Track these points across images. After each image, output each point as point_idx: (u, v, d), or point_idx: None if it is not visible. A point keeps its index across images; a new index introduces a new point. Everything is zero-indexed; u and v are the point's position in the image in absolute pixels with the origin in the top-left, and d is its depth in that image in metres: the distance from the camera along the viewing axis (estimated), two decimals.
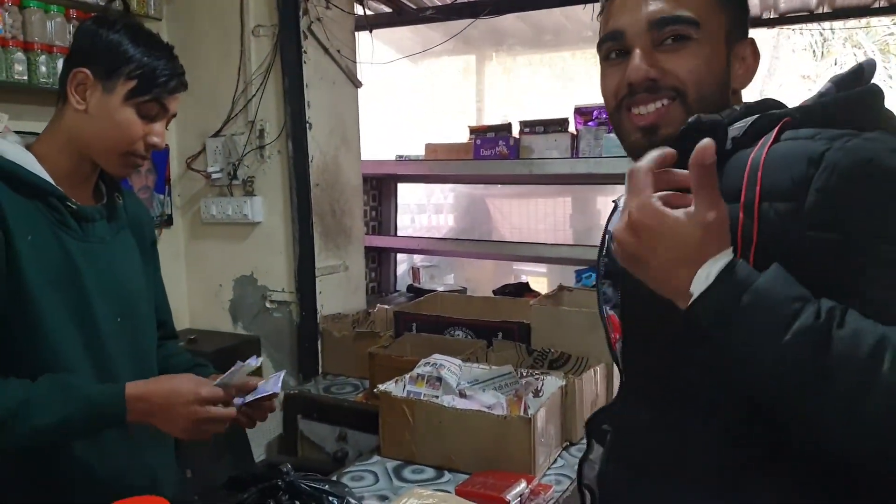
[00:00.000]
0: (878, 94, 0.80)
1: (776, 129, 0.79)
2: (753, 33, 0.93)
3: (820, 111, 0.81)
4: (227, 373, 1.21)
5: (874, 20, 3.53)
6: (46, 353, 1.14)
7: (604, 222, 1.06)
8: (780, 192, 0.74)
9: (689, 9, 0.85)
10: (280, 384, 1.26)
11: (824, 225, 0.72)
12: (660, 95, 0.86)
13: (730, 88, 0.89)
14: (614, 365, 1.08)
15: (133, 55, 1.18)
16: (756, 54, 0.92)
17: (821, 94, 0.84)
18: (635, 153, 0.87)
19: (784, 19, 3.25)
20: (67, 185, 1.20)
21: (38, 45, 2.02)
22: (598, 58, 0.95)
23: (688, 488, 0.83)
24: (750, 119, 0.82)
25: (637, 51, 0.86)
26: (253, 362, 1.24)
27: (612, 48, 0.91)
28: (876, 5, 2.99)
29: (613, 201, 1.02)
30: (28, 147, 1.20)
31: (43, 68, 2.04)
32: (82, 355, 1.18)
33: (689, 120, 0.82)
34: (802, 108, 0.82)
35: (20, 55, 1.99)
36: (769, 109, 0.83)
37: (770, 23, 3.28)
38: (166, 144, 1.33)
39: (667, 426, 0.86)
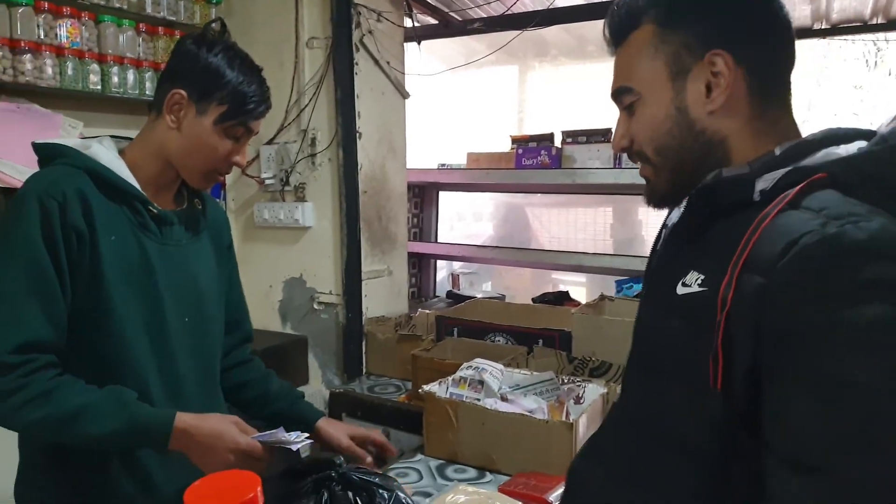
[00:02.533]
0: None
1: (796, 190, 0.74)
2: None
3: (862, 165, 0.75)
4: (269, 433, 1.24)
5: None
6: (115, 345, 1.21)
7: (645, 233, 1.10)
8: (759, 265, 0.71)
9: (625, 76, 0.88)
10: (299, 446, 1.27)
11: (772, 323, 0.69)
12: (635, 160, 0.91)
13: (698, 122, 0.84)
14: None
15: (228, 81, 1.23)
16: (730, 62, 0.82)
17: (875, 142, 0.77)
18: (645, 201, 0.93)
19: (836, 30, 3.20)
20: (152, 189, 1.28)
21: (111, 56, 2.15)
22: None
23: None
24: (781, 173, 0.77)
25: (617, 123, 0.92)
26: (297, 437, 1.26)
27: None
28: None
29: (664, 223, 1.01)
30: (120, 152, 1.28)
31: (115, 79, 2.17)
32: (148, 350, 1.25)
33: (708, 178, 0.81)
34: (843, 162, 0.76)
35: (95, 66, 2.12)
36: (813, 152, 0.78)
37: (822, 33, 3.23)
38: None
39: (641, 451, 0.87)
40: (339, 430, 1.50)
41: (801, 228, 0.69)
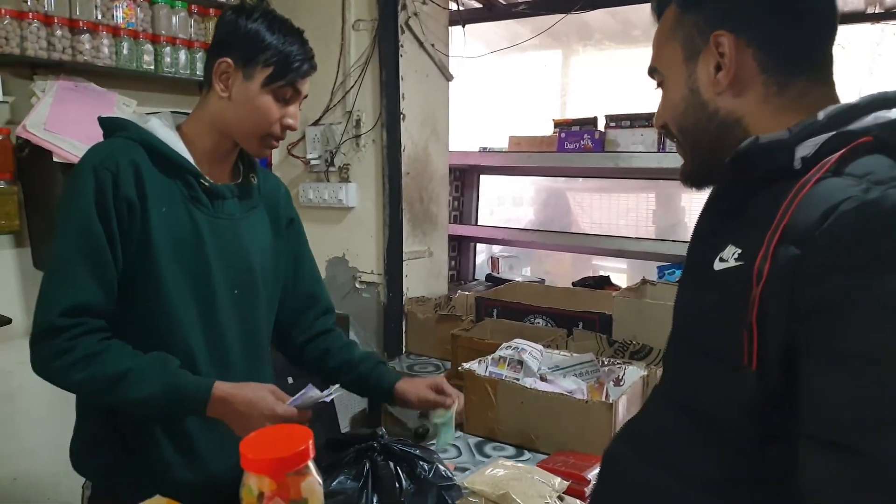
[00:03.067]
0: None
1: (837, 155, 0.71)
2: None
3: None
4: (301, 394, 1.26)
5: None
6: (164, 315, 1.25)
7: (688, 219, 1.06)
8: (796, 235, 0.68)
9: (654, 56, 0.91)
10: (332, 395, 1.30)
11: (805, 295, 0.67)
12: (670, 137, 0.92)
13: (710, 103, 0.84)
14: None
15: (269, 43, 1.26)
16: (731, 42, 0.81)
17: None
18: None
19: (891, 14, 3.11)
20: (207, 163, 1.31)
21: (164, 37, 2.21)
22: None
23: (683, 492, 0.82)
24: (823, 137, 0.74)
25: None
26: (328, 392, 1.29)
27: None
28: None
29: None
30: (178, 127, 1.31)
31: (167, 59, 2.23)
32: (196, 320, 1.28)
33: (744, 144, 0.79)
34: (893, 125, 0.73)
35: (148, 47, 2.18)
36: (860, 116, 0.74)
37: (875, 18, 3.14)
38: None
39: (676, 434, 0.85)
40: (412, 390, 1.48)
41: (840, 195, 0.67)
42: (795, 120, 0.78)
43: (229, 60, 1.27)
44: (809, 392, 0.67)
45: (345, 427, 2.53)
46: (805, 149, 0.74)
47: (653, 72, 0.92)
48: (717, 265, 0.79)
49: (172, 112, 1.34)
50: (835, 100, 0.81)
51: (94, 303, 1.19)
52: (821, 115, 0.76)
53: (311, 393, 1.27)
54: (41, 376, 1.23)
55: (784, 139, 0.76)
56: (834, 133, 0.73)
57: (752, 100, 0.82)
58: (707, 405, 0.80)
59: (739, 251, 0.76)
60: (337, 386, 1.33)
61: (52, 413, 2.13)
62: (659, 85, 0.92)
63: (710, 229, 0.86)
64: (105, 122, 1.30)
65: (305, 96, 1.35)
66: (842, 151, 0.71)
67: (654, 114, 2.97)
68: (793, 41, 0.81)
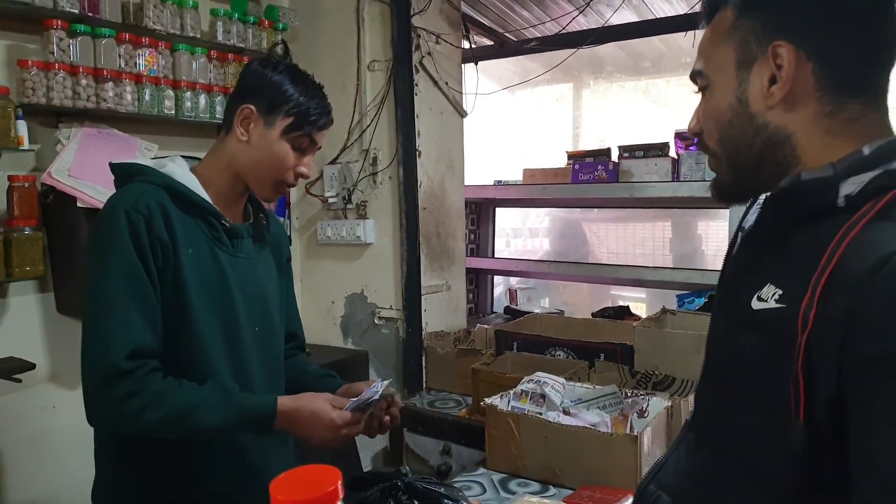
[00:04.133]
0: None
1: (887, 197, 0.68)
2: None
3: None
4: (358, 399, 1.31)
5: None
6: (197, 352, 1.27)
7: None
8: (845, 284, 0.65)
9: (701, 59, 0.85)
10: (380, 391, 1.35)
11: (857, 350, 0.64)
12: (703, 148, 0.88)
13: (759, 116, 0.79)
14: None
15: (292, 95, 1.32)
16: (791, 54, 0.76)
17: None
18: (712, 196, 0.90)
19: None
20: (222, 204, 1.35)
21: (185, 82, 2.27)
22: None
23: None
24: (869, 176, 0.70)
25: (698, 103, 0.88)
26: (375, 388, 1.34)
27: None
28: None
29: (740, 225, 0.96)
30: (192, 169, 1.35)
31: (188, 103, 2.28)
32: (224, 357, 1.31)
33: (785, 181, 0.76)
34: None
35: (170, 92, 2.24)
36: None
37: None
38: None
39: (712, 477, 0.81)
40: (350, 391, 1.45)
41: (892, 244, 0.64)
42: (845, 145, 0.75)
43: (252, 107, 1.32)
44: (862, 451, 0.64)
45: (366, 465, 2.51)
46: (849, 186, 0.71)
47: (697, 75, 0.86)
48: (756, 304, 0.75)
49: (182, 156, 1.39)
50: (888, 128, 0.78)
51: (150, 344, 1.22)
52: (866, 149, 0.73)
53: (365, 395, 1.33)
54: (107, 423, 1.26)
55: (828, 176, 0.72)
56: (881, 171, 0.71)
57: (804, 117, 0.78)
58: (747, 452, 0.75)
59: (780, 292, 0.72)
60: (383, 381, 1.38)
61: (75, 457, 2.13)
62: (700, 90, 0.86)
63: (747, 265, 0.83)
64: (121, 168, 1.33)
65: (319, 147, 1.40)
66: (893, 192, 0.68)
67: (667, 143, 2.93)
68: (855, 60, 0.77)
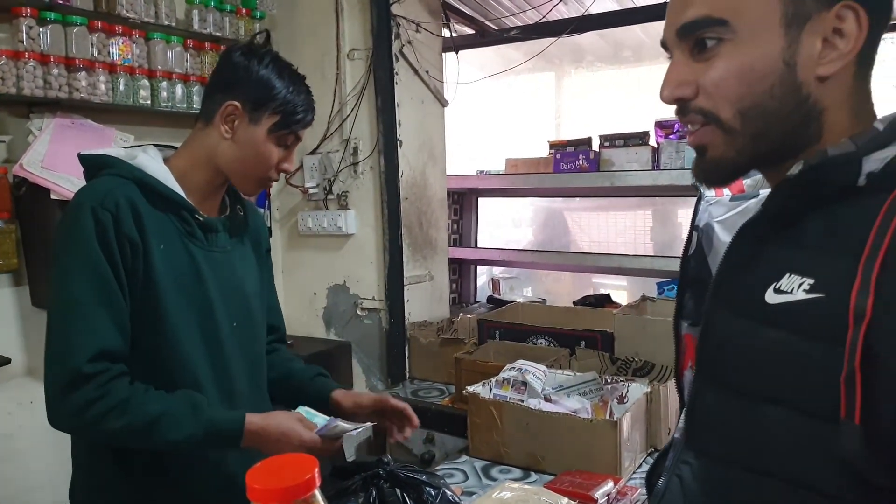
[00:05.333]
0: None
1: None
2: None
3: None
4: (326, 425, 1.29)
5: None
6: (171, 351, 1.24)
7: (685, 235, 0.91)
8: None
9: (715, 3, 0.69)
10: (358, 432, 1.32)
11: None
12: (687, 118, 0.74)
13: (805, 86, 0.69)
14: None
15: (279, 92, 1.28)
16: (864, 21, 0.67)
17: None
18: (697, 178, 0.78)
19: None
20: (198, 197, 1.31)
21: (160, 72, 2.24)
22: None
23: None
24: (892, 152, 0.65)
25: (671, 64, 0.74)
26: (357, 428, 1.32)
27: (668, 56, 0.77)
28: None
29: (695, 224, 0.88)
30: (165, 160, 1.31)
31: (164, 93, 2.25)
32: (203, 354, 1.28)
33: (815, 158, 0.67)
34: None
35: (145, 82, 2.21)
36: None
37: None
38: None
39: (742, 495, 0.71)
40: (347, 399, 1.48)
41: None
42: (860, 122, 0.69)
43: (237, 104, 1.28)
44: None
45: (350, 455, 2.51)
46: (872, 163, 0.65)
47: (704, 26, 0.70)
48: (774, 297, 0.67)
49: (155, 145, 1.35)
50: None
51: (116, 347, 1.18)
52: (879, 125, 0.67)
53: (339, 425, 1.30)
54: (66, 428, 1.21)
55: (853, 152, 0.66)
56: None
57: (840, 92, 0.69)
58: (785, 462, 0.67)
59: (811, 281, 0.65)
60: (368, 425, 1.35)
61: (52, 453, 2.11)
62: (698, 44, 0.71)
63: (745, 258, 0.74)
64: (89, 160, 1.29)
65: (301, 140, 1.38)
66: None
67: (647, 133, 2.89)
68: (883, 28, 0.69)
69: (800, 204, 0.69)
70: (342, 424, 1.30)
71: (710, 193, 0.87)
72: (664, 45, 0.76)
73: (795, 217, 0.70)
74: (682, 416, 0.84)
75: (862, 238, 0.61)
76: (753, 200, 0.84)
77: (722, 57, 0.70)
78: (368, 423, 1.35)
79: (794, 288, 0.66)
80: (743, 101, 0.69)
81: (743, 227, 0.75)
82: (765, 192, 0.84)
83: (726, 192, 0.87)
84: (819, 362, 0.62)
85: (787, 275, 0.67)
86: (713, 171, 0.75)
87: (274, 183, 2.71)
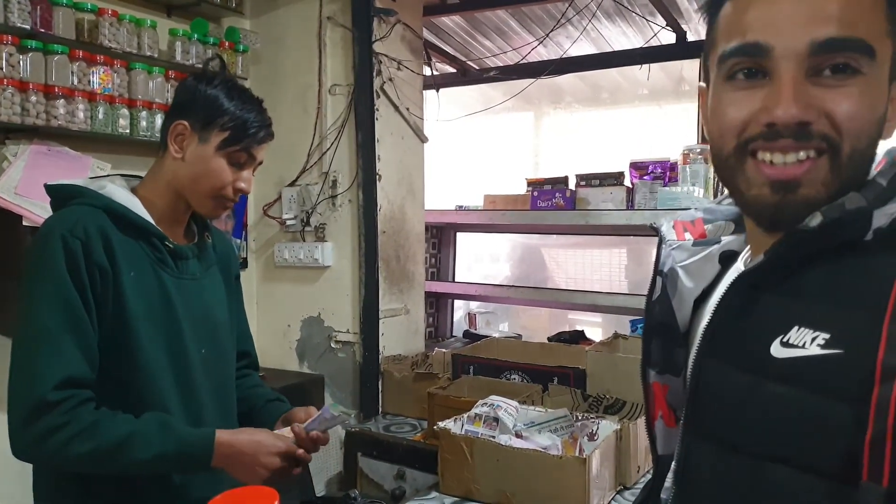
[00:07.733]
0: None
1: None
2: None
3: None
4: (313, 420, 1.31)
5: None
6: (141, 379, 1.24)
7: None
8: None
9: (864, 31, 0.63)
10: (330, 410, 1.35)
11: None
12: (809, 144, 0.65)
13: (879, 126, 0.67)
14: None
15: (227, 109, 1.30)
16: None
17: None
18: (757, 213, 0.71)
19: None
20: (165, 225, 1.32)
21: (141, 101, 2.25)
22: (715, 75, 0.72)
23: None
24: None
25: (789, 79, 0.65)
26: (325, 407, 1.35)
27: (743, 65, 0.68)
28: None
29: (653, 227, 0.88)
30: (133, 189, 1.33)
31: (143, 123, 2.26)
32: (172, 382, 1.28)
33: (831, 215, 0.64)
34: None
35: (125, 111, 2.21)
36: None
37: None
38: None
39: None
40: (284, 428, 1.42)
41: None
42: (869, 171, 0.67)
43: (185, 123, 1.30)
44: None
45: (320, 490, 2.47)
46: (881, 218, 0.63)
47: (856, 48, 0.63)
48: (781, 352, 0.64)
49: (121, 175, 1.36)
50: None
51: (82, 374, 1.18)
52: (881, 179, 0.65)
53: (322, 416, 1.32)
54: (30, 457, 1.20)
55: (864, 206, 0.63)
56: None
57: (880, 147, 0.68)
58: None
59: (826, 335, 0.61)
60: (331, 403, 1.37)
61: (14, 485, 2.05)
62: (838, 68, 0.64)
63: (741, 303, 0.71)
64: (57, 189, 1.29)
65: (260, 162, 1.38)
66: None
67: (621, 173, 2.95)
68: None
69: (807, 255, 0.66)
70: (326, 414, 1.32)
71: (671, 237, 0.86)
72: (765, 50, 0.66)
73: (798, 267, 0.67)
74: (670, 477, 0.79)
75: (877, 294, 0.58)
76: (716, 246, 0.83)
77: (859, 90, 0.64)
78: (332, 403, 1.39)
79: (805, 342, 0.62)
80: (861, 140, 0.65)
81: (740, 277, 0.71)
82: (727, 239, 0.84)
83: (688, 236, 0.87)
84: (836, 421, 0.59)
85: (797, 327, 0.64)
86: (799, 211, 0.66)
87: (251, 213, 2.77)
